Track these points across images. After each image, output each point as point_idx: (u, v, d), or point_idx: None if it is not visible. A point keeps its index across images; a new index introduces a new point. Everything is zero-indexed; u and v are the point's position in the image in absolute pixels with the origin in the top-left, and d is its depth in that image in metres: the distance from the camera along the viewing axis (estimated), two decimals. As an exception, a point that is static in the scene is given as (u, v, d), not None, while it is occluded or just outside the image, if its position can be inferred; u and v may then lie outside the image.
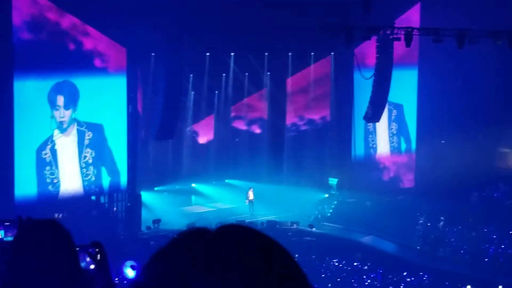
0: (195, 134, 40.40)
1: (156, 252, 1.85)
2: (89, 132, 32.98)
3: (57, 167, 32.15)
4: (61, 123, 32.24)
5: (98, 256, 3.87)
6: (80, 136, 32.86)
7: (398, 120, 42.89)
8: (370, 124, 40.59)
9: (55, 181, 32.08)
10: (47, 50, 31.08)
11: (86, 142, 32.99)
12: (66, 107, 32.29)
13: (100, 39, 32.53)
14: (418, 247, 34.30)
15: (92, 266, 3.86)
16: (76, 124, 32.62)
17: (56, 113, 32.06)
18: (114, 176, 33.94)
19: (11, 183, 30.34)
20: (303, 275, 1.85)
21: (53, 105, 31.91)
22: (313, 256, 32.46)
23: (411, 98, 42.75)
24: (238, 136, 41.16)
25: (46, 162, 31.79)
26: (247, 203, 37.81)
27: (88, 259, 3.85)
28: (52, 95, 31.83)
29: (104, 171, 33.65)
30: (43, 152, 31.56)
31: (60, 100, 32.12)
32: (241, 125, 41.33)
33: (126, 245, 29.99)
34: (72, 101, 32.45)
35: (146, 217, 34.51)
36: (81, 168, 32.87)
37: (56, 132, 32.08)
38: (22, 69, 30.41)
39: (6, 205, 28.20)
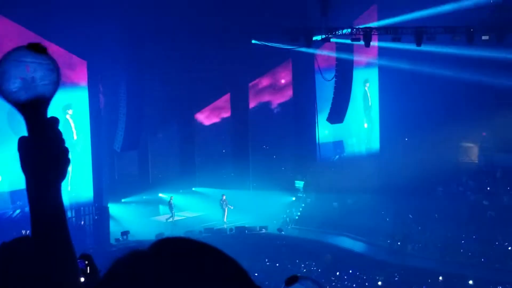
0: (160, 143, 40.22)
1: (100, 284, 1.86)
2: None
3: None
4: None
5: (88, 269, 3.86)
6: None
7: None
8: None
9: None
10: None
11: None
12: None
13: (58, 53, 32.29)
14: (387, 245, 34.43)
15: (82, 279, 3.82)
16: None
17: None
18: (80, 190, 33.74)
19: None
20: (247, 278, 1.85)
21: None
22: (284, 260, 32.50)
23: (374, 98, 43.09)
24: (203, 143, 41.05)
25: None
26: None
27: None
28: None
29: (69, 185, 33.44)
30: None
31: None
32: (205, 132, 41.23)
33: (96, 258, 29.78)
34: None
35: (114, 229, 34.32)
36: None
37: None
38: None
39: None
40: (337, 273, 31.52)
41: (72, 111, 33.15)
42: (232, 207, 37.33)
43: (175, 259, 1.77)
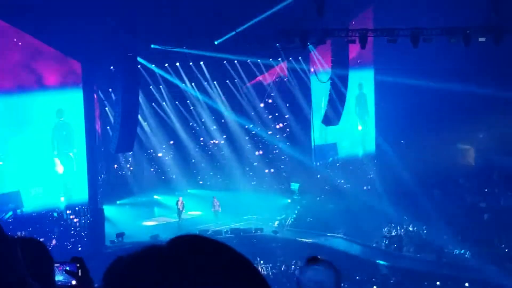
0: (155, 145, 40.12)
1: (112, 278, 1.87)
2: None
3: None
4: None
5: (79, 272, 3.83)
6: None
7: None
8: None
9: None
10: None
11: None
12: None
13: (52, 54, 32.19)
14: (382, 248, 34.37)
15: (73, 282, 3.80)
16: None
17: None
18: (75, 192, 33.66)
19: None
20: (261, 278, 1.90)
21: None
22: (279, 262, 32.43)
23: (369, 99, 43.05)
24: (198, 145, 40.99)
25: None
26: (213, 210, 37.80)
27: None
28: None
29: (65, 187, 33.39)
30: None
31: None
32: (202, 134, 41.13)
33: (91, 260, 29.63)
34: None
35: (109, 231, 34.23)
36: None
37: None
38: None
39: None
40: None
41: (65, 116, 33.04)
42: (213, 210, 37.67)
43: (192, 256, 1.80)
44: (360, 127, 43.31)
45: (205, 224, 36.93)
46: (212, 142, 41.24)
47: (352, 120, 42.44)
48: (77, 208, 33.71)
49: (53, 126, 32.62)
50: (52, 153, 32.83)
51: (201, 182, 41.04)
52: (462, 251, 32.70)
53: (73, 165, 33.56)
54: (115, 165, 38.55)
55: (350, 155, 42.67)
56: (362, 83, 42.34)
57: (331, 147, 42.01)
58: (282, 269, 32.42)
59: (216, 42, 35.26)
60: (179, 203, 37.49)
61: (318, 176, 40.34)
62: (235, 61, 38.97)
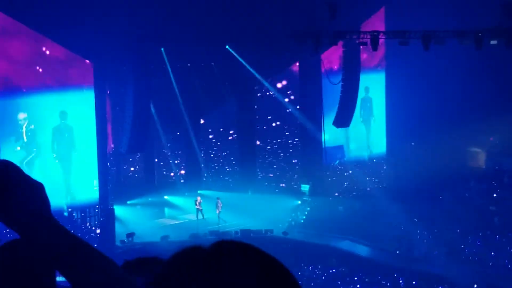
0: (166, 145, 40.19)
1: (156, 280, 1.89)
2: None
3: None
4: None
5: None
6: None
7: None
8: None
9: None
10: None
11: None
12: None
13: (65, 55, 32.30)
14: (392, 250, 34.31)
15: None
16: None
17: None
18: (86, 192, 33.73)
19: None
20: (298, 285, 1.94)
21: None
22: (289, 264, 32.39)
23: (380, 102, 42.98)
24: (209, 146, 41.04)
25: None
26: (217, 212, 37.75)
27: None
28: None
29: (75, 187, 33.48)
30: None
31: None
32: (211, 135, 41.19)
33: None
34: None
35: (119, 231, 34.31)
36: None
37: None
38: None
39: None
40: (342, 277, 31.43)
41: (68, 118, 33.09)
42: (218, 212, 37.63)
43: (234, 263, 1.85)
44: (365, 130, 43.25)
45: (214, 225, 36.93)
46: (223, 141, 41.28)
47: (359, 123, 42.38)
48: (87, 208, 33.84)
49: (53, 128, 32.66)
50: (52, 155, 32.91)
51: (211, 183, 41.00)
52: (472, 254, 32.69)
53: (73, 167, 33.58)
54: (126, 165, 38.62)
55: (357, 157, 42.67)
56: (368, 86, 42.18)
57: (338, 149, 41.97)
58: (293, 271, 32.42)
59: (227, 46, 35.36)
60: (197, 202, 37.57)
61: (329, 178, 40.34)
62: (247, 63, 38.94)
